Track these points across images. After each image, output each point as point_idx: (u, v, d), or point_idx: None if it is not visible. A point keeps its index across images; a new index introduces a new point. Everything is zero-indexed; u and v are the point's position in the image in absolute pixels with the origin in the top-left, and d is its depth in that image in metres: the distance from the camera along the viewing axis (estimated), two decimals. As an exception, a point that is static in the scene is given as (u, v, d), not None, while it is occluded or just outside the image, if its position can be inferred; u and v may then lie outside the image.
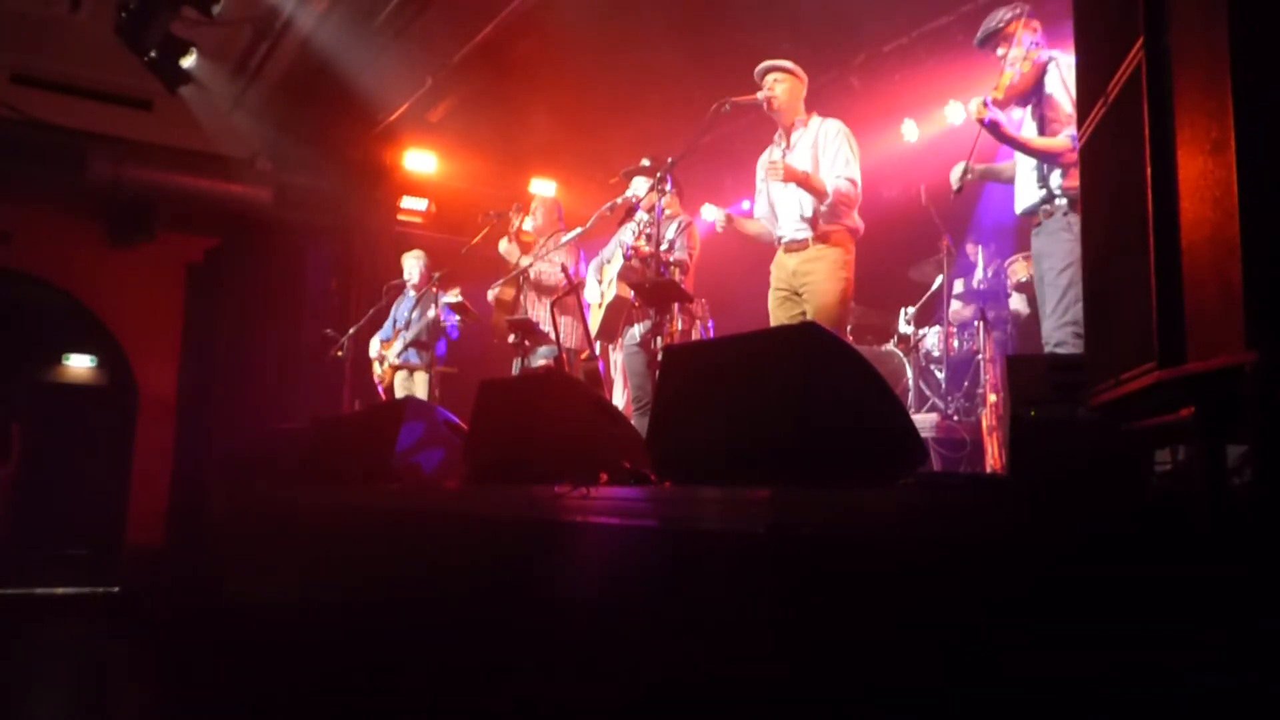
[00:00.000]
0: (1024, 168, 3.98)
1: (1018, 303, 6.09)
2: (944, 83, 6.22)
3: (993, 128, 3.72)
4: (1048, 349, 3.73)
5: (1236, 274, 1.39)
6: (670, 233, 5.31)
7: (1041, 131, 3.87)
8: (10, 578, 8.35)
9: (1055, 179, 3.82)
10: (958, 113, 6.30)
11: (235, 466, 6.90)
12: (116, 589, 8.72)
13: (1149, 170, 1.61)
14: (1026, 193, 3.95)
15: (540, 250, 6.22)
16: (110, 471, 9.25)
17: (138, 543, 8.88)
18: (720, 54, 6.29)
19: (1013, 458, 2.49)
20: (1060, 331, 3.67)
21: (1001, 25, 3.92)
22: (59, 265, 8.86)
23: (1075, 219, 3.73)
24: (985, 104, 3.69)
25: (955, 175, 4.11)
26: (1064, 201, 3.79)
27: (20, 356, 9.43)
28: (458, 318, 6.81)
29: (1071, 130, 3.74)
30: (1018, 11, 3.88)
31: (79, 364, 10.08)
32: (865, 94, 6.50)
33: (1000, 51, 3.91)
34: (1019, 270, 5.75)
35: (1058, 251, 3.75)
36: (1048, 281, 3.78)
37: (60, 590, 8.60)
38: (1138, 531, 1.68)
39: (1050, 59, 3.87)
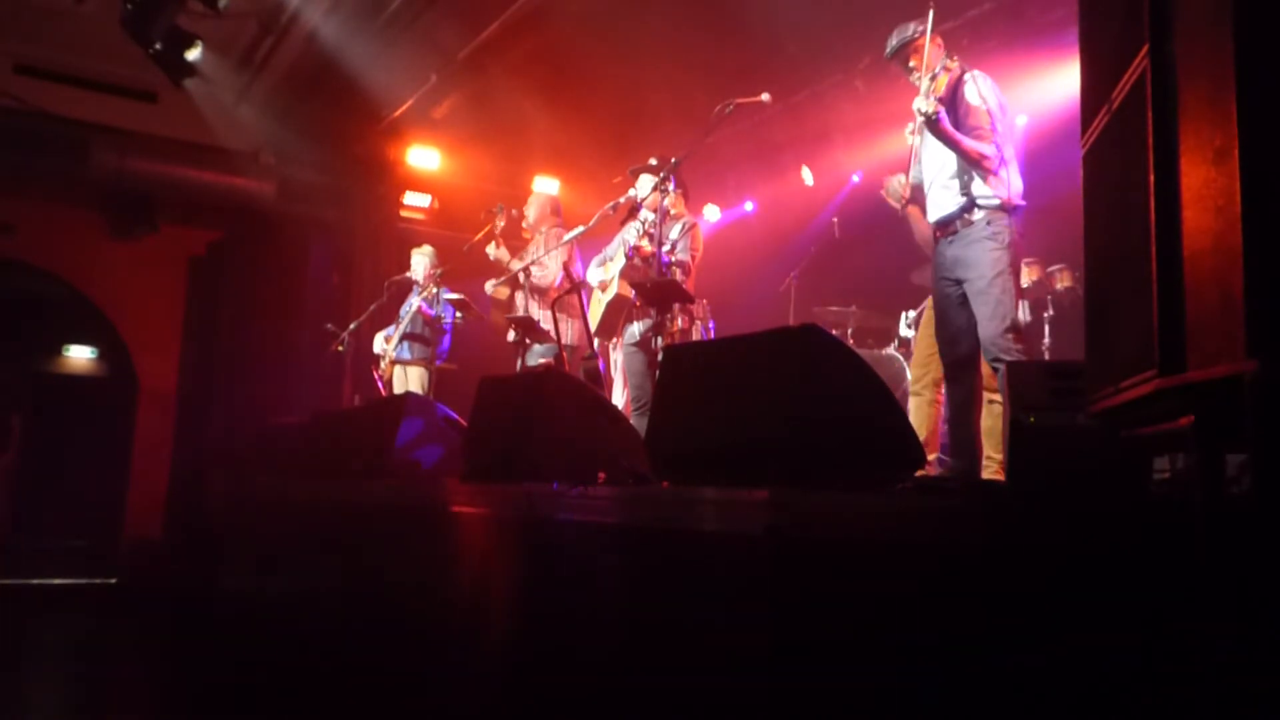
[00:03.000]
0: (941, 176, 3.99)
1: (1020, 310, 6.06)
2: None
3: (935, 124, 3.76)
4: (988, 359, 3.79)
5: (1238, 283, 1.39)
6: (674, 233, 5.31)
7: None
8: (8, 568, 8.35)
9: (977, 187, 3.85)
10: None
11: (234, 459, 6.91)
12: (114, 580, 8.72)
13: (1151, 177, 1.61)
14: (944, 201, 3.97)
15: (535, 249, 6.21)
16: (109, 463, 9.24)
17: (136, 534, 8.88)
18: (726, 54, 6.29)
19: (1011, 463, 2.49)
20: (1002, 339, 3.71)
21: (915, 36, 4.04)
22: (61, 256, 8.86)
23: (999, 227, 3.79)
24: (935, 101, 3.75)
25: (895, 190, 4.23)
26: (984, 210, 3.82)
27: (21, 347, 9.43)
28: (459, 314, 6.81)
29: (995, 140, 3.83)
30: (924, 27, 3.96)
31: (79, 355, 10.08)
32: (870, 97, 6.50)
33: (911, 64, 4.03)
34: (1064, 278, 5.70)
35: (984, 260, 3.79)
36: (977, 289, 3.80)
37: (58, 581, 8.60)
38: (1135, 539, 1.68)
39: (964, 70, 3.97)
